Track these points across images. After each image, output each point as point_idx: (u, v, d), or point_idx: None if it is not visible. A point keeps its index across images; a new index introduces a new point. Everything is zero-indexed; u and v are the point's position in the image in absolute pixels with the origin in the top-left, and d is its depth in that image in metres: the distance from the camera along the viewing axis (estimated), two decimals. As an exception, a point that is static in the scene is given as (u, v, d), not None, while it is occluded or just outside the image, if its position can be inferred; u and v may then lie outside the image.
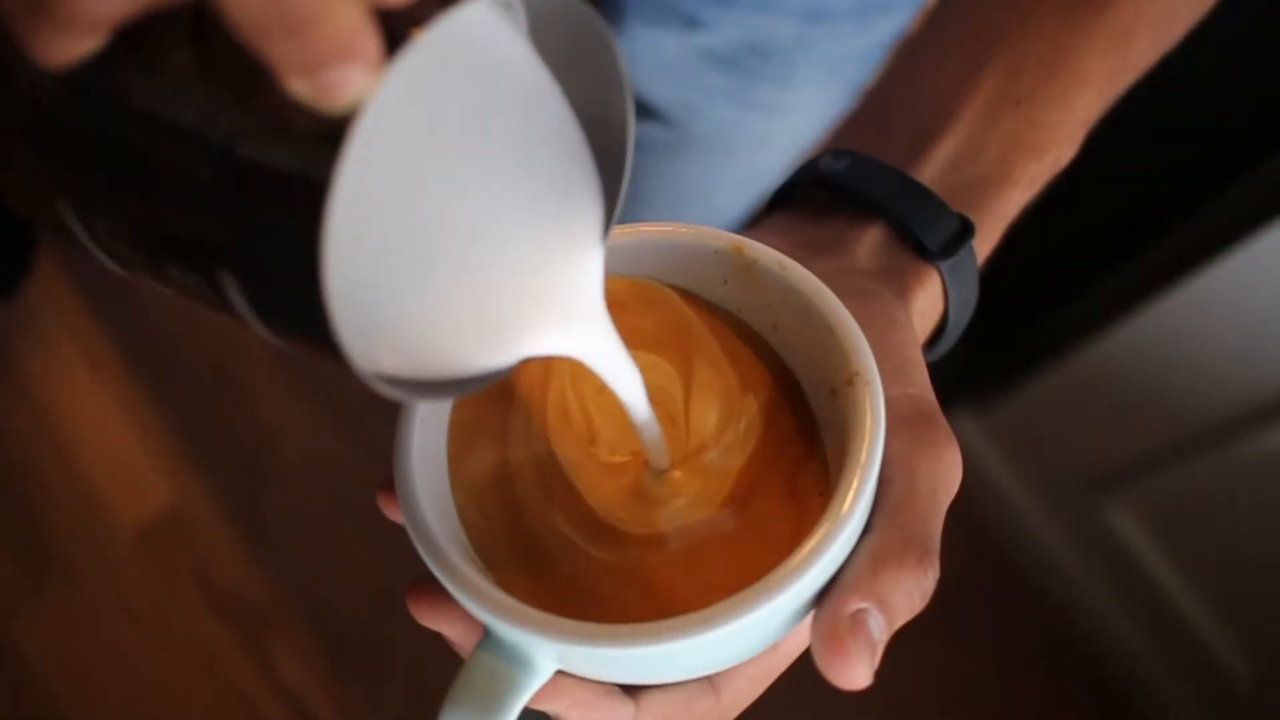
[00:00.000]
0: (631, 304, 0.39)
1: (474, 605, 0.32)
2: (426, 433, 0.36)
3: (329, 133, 0.22)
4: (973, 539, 1.45)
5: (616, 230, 0.38)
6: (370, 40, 0.22)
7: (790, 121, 0.81)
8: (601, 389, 0.36)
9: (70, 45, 0.22)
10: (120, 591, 1.31)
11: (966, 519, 1.43)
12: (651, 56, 0.79)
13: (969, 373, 1.41)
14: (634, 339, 0.37)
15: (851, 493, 0.32)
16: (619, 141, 0.31)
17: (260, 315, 0.26)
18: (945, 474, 0.35)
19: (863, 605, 0.31)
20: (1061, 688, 1.43)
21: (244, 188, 0.24)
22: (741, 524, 0.35)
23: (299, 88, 0.22)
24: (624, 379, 0.34)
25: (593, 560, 0.35)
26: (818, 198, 0.44)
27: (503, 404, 0.38)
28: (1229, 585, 1.31)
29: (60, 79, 0.25)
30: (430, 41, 0.23)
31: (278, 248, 0.24)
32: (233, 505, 1.37)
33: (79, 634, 1.29)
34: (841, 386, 0.35)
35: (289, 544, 1.36)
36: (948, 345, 0.45)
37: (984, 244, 0.43)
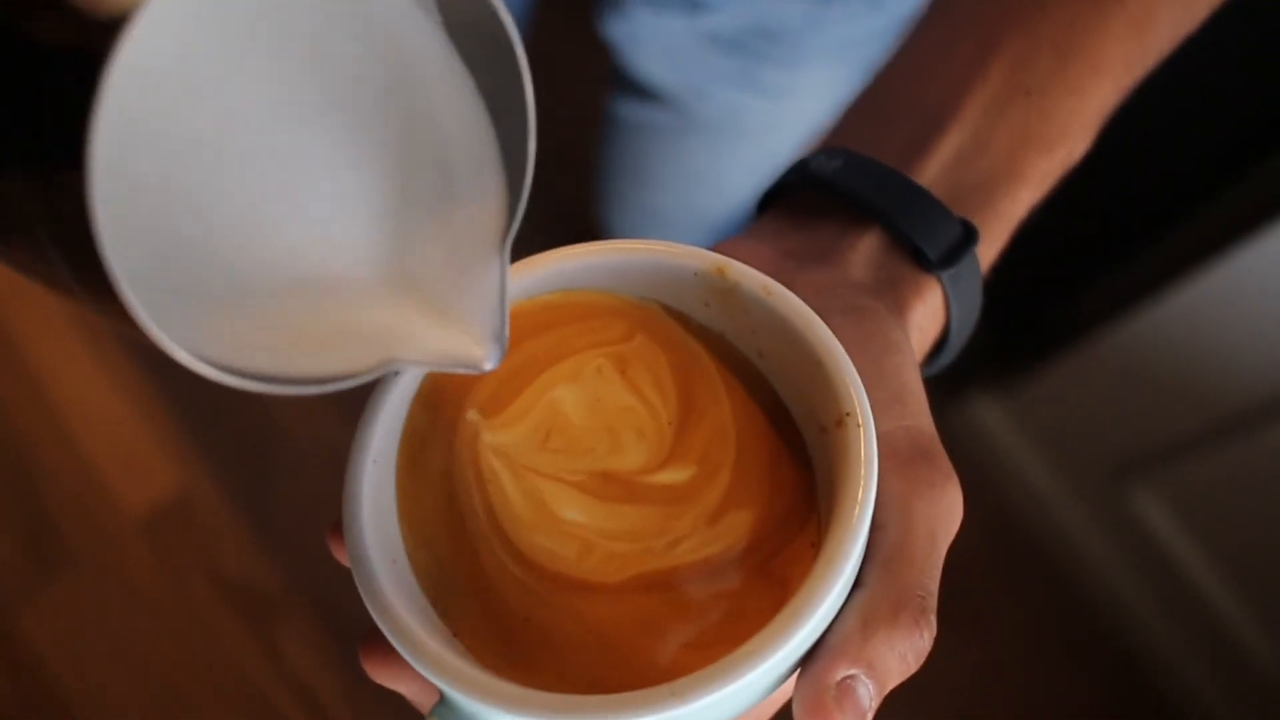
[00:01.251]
0: (622, 325, 0.37)
1: (428, 672, 0.30)
2: (379, 473, 0.33)
3: (96, 27, 0.19)
4: (994, 526, 1.42)
5: (598, 245, 0.36)
6: None
7: (799, 105, 0.78)
8: (573, 426, 0.34)
9: None
10: (126, 580, 1.31)
11: (988, 505, 1.41)
12: (654, 40, 0.76)
13: (991, 355, 1.39)
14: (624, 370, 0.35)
15: (838, 554, 0.29)
16: (521, 144, 0.28)
17: (72, 271, 0.23)
18: (944, 516, 0.32)
19: (851, 672, 0.29)
20: (1084, 675, 1.41)
21: (30, 99, 0.21)
22: (722, 576, 0.32)
23: None
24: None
25: (553, 610, 0.32)
26: (809, 200, 0.41)
27: (453, 440, 0.35)
28: (1257, 571, 1.29)
29: None
30: None
31: (69, 174, 0.20)
32: (240, 493, 1.36)
33: (84, 623, 1.29)
34: (831, 426, 0.32)
35: (297, 531, 1.35)
36: (948, 359, 0.42)
37: (989, 248, 0.41)
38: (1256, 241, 1.05)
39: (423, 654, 0.30)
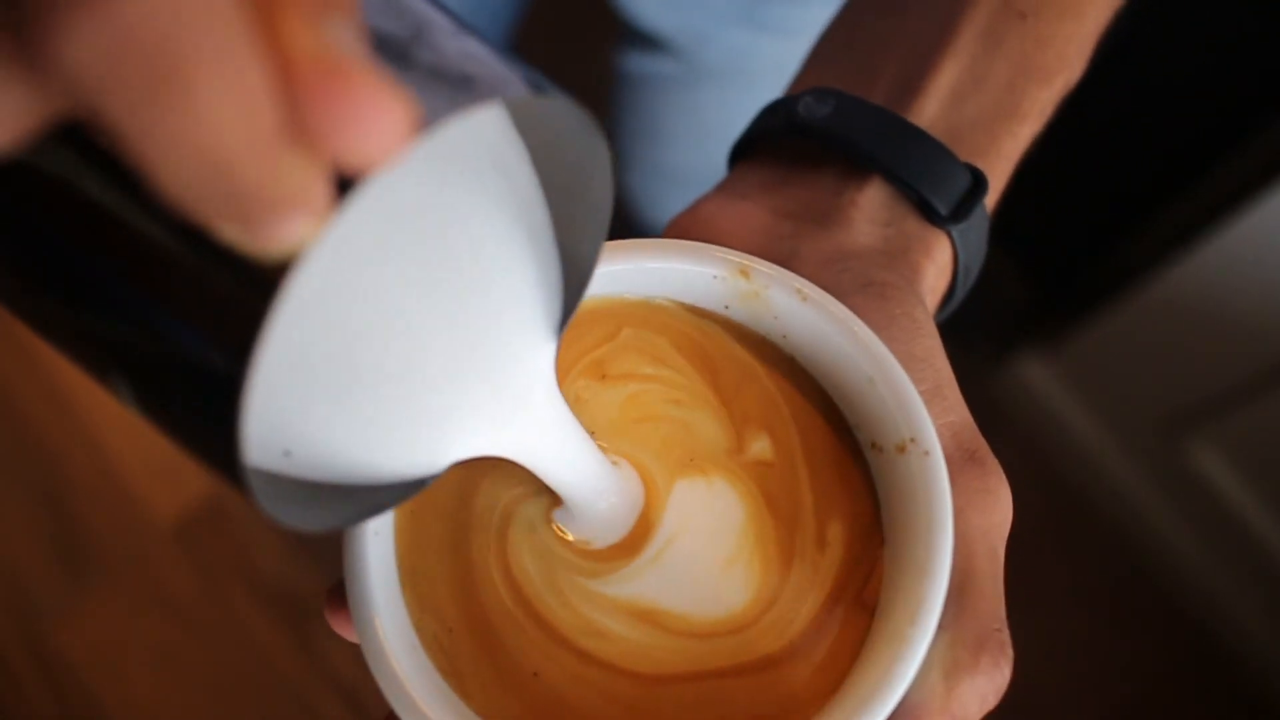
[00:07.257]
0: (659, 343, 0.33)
1: None
2: (381, 545, 0.31)
3: (260, 272, 0.18)
4: (1047, 489, 1.39)
5: (609, 246, 0.33)
6: (319, 192, 0.17)
7: (810, 44, 0.75)
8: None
9: None
10: (161, 588, 1.30)
11: (1039, 468, 1.38)
12: None
13: (1035, 311, 1.36)
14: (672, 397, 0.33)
15: (923, 609, 0.28)
16: (595, 223, 0.27)
17: (151, 417, 0.22)
18: (999, 525, 0.30)
19: None
20: (1147, 635, 1.38)
21: (149, 298, 0.20)
22: (782, 635, 0.30)
23: (230, 232, 0.18)
24: (574, 485, 0.30)
25: (583, 683, 0.30)
26: (797, 148, 0.38)
27: (463, 500, 0.33)
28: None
29: None
30: (393, 175, 0.20)
31: (185, 369, 0.20)
32: (272, 493, 1.34)
33: (120, 632, 1.28)
34: (890, 450, 0.30)
35: (332, 529, 1.32)
36: (948, 314, 0.39)
37: (992, 193, 0.37)
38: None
39: None
